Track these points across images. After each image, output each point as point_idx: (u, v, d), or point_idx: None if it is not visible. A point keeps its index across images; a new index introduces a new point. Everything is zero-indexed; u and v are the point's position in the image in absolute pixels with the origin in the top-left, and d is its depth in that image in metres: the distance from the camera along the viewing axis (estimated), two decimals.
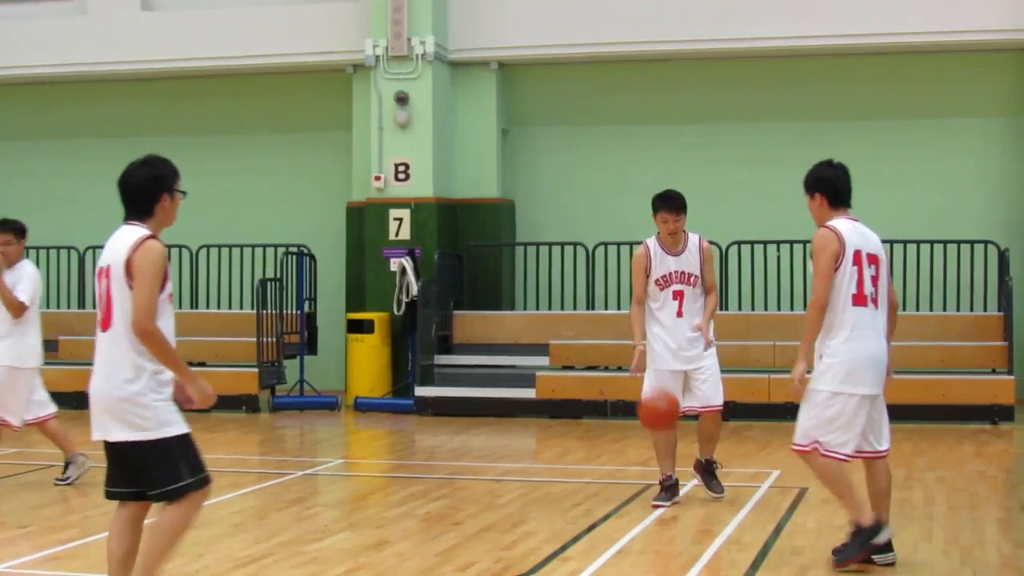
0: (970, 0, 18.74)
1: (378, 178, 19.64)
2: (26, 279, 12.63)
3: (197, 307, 20.86)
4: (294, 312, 19.92)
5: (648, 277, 11.09)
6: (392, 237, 19.68)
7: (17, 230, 12.53)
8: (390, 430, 17.47)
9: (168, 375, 6.94)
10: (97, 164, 22.08)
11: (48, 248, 21.73)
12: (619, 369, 17.97)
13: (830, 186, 8.91)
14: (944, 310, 18.69)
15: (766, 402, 17.48)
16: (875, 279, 8.77)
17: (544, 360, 18.60)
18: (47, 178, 22.40)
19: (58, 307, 21.62)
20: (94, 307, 7.17)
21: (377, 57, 19.65)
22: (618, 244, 19.08)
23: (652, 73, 20.24)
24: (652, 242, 11.24)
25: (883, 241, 18.37)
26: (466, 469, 13.92)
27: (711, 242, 11.89)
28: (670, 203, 11.25)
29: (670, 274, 11.05)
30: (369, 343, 19.28)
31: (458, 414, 18.20)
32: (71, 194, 22.21)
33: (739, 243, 19.00)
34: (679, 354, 11.05)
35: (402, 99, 19.52)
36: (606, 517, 10.72)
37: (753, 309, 19.05)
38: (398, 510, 11.25)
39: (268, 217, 21.15)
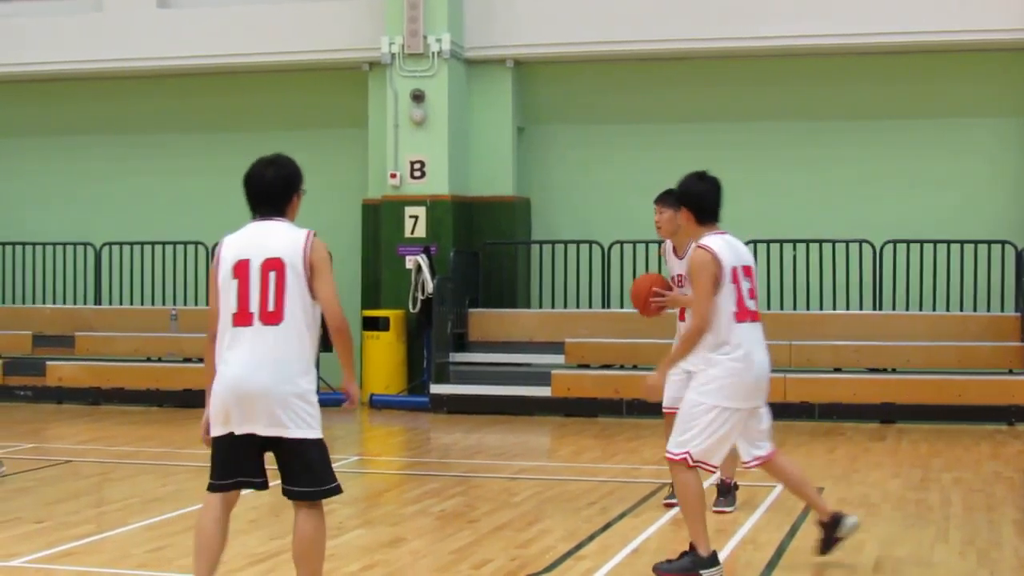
0: None
1: (394, 175, 19.64)
2: None
3: None
4: None
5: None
6: (408, 235, 19.67)
7: None
8: (405, 427, 17.48)
9: None
10: (112, 161, 22.23)
11: (64, 244, 21.79)
12: (634, 368, 17.98)
13: (696, 201, 8.75)
14: (961, 310, 18.64)
15: (782, 402, 17.39)
16: (752, 291, 8.64)
17: (559, 358, 18.59)
18: (63, 174, 22.45)
19: (75, 303, 21.66)
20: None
21: (393, 55, 19.64)
22: (634, 243, 19.07)
23: (668, 71, 20.20)
24: (668, 243, 11.18)
25: (900, 241, 18.47)
26: (481, 467, 13.92)
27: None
28: (658, 195, 11.07)
29: (674, 277, 10.93)
30: (385, 340, 19.29)
31: (473, 412, 18.20)
32: (87, 190, 22.26)
33: (754, 242, 18.89)
34: None
35: (418, 97, 19.51)
36: (621, 516, 10.72)
37: (769, 308, 18.98)
38: (413, 507, 11.26)
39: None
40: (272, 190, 6.99)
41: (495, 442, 16.19)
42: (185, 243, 20.99)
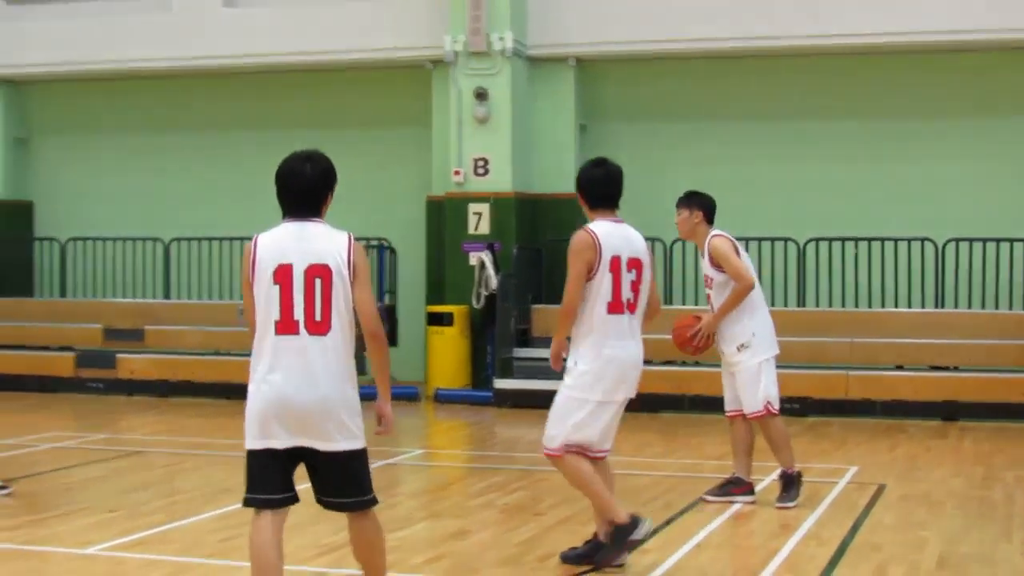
0: None
1: (457, 172, 19.69)
2: None
3: None
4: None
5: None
6: (471, 231, 19.71)
7: None
8: (469, 421, 17.54)
9: None
10: (181, 158, 22.43)
11: (134, 239, 22.00)
12: (696, 364, 17.93)
13: (588, 187, 8.65)
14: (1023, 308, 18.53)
15: (843, 398, 17.42)
16: (635, 284, 8.52)
17: None
18: (132, 171, 22.66)
19: (144, 297, 21.86)
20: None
21: (456, 53, 19.69)
22: None
23: (730, 68, 20.13)
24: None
25: (963, 240, 18.27)
26: (545, 461, 13.90)
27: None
28: (679, 197, 11.16)
29: (706, 277, 11.05)
30: (449, 335, 19.35)
31: (537, 406, 18.11)
32: (155, 187, 22.46)
33: (816, 240, 18.91)
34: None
35: (481, 95, 19.55)
36: (684, 511, 10.72)
37: (831, 306, 18.94)
38: (478, 500, 11.30)
39: (349, 210, 21.09)
40: (312, 187, 6.63)
41: None
42: (251, 239, 21.05)
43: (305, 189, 6.63)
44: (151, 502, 11.15)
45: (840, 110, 19.80)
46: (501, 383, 18.62)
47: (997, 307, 18.50)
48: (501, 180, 19.61)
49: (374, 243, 20.23)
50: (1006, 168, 19.27)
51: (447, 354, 19.37)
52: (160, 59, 21.69)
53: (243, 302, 6.76)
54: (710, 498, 11.01)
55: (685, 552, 9.22)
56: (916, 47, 19.12)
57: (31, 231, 23.17)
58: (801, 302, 18.93)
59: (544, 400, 18.03)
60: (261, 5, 21.44)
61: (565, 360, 8.73)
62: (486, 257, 19.13)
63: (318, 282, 6.50)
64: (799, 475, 10.94)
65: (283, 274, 6.53)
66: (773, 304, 19.07)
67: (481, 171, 19.62)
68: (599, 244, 8.39)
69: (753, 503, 10.93)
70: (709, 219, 10.99)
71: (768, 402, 10.79)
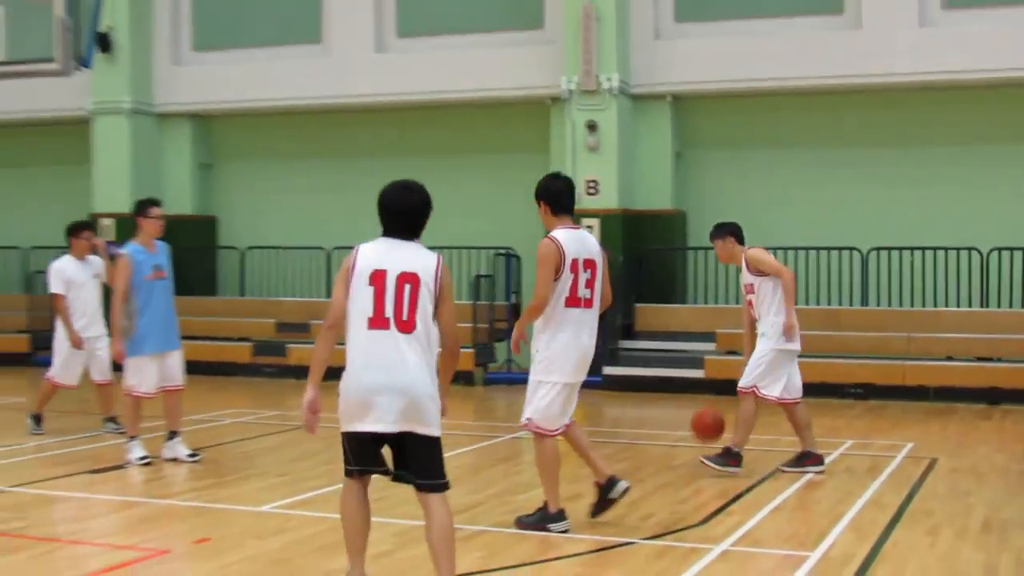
0: None
1: None
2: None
3: None
4: (502, 303, 20.22)
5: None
6: None
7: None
8: (582, 402, 17.30)
9: None
10: (337, 180, 22.61)
11: (302, 248, 22.29)
12: None
13: (551, 196, 8.66)
14: None
15: (901, 384, 17.26)
16: (590, 282, 8.50)
17: (711, 346, 18.55)
18: (299, 191, 22.90)
19: (310, 296, 22.15)
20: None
21: (570, 91, 19.73)
22: (773, 249, 18.82)
23: (806, 103, 19.91)
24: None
25: (1004, 248, 17.99)
26: (646, 436, 13.96)
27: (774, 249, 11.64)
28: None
29: (745, 286, 11.25)
30: None
31: (639, 390, 18.25)
32: (318, 204, 22.70)
33: (878, 249, 18.73)
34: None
35: (592, 127, 19.59)
36: (764, 479, 10.71)
37: (890, 305, 18.75)
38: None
39: (481, 224, 21.36)
40: (417, 212, 6.58)
41: (658, 415, 16.23)
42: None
43: (411, 213, 6.58)
44: (314, 468, 11.33)
45: (898, 139, 19.56)
46: (609, 370, 18.64)
47: None
48: (609, 199, 19.62)
49: (502, 251, 20.35)
50: None
51: None
52: (321, 97, 21.93)
53: (334, 294, 6.62)
54: (786, 469, 10.98)
55: (765, 514, 9.22)
56: (961, 84, 18.82)
57: (215, 241, 23.56)
58: (864, 302, 18.77)
59: (645, 384, 18.38)
60: (406, 51, 21.62)
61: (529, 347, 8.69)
62: None
63: (407, 287, 6.41)
64: (740, 456, 10.90)
65: (377, 278, 6.44)
66: (840, 304, 19.01)
67: (592, 191, 19.65)
68: (563, 250, 8.44)
69: (822, 472, 10.90)
70: (740, 240, 11.11)
71: (756, 386, 10.76)
